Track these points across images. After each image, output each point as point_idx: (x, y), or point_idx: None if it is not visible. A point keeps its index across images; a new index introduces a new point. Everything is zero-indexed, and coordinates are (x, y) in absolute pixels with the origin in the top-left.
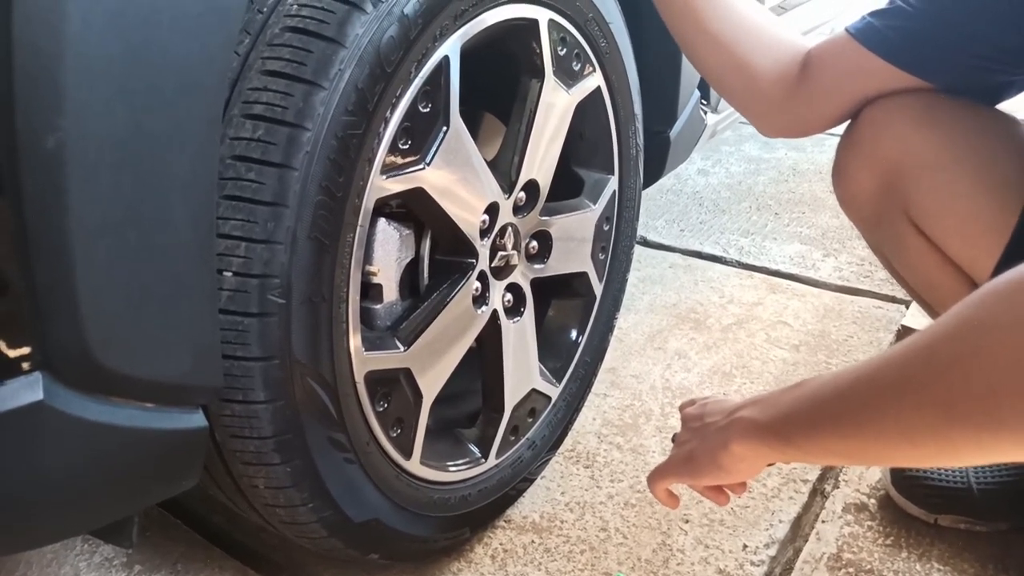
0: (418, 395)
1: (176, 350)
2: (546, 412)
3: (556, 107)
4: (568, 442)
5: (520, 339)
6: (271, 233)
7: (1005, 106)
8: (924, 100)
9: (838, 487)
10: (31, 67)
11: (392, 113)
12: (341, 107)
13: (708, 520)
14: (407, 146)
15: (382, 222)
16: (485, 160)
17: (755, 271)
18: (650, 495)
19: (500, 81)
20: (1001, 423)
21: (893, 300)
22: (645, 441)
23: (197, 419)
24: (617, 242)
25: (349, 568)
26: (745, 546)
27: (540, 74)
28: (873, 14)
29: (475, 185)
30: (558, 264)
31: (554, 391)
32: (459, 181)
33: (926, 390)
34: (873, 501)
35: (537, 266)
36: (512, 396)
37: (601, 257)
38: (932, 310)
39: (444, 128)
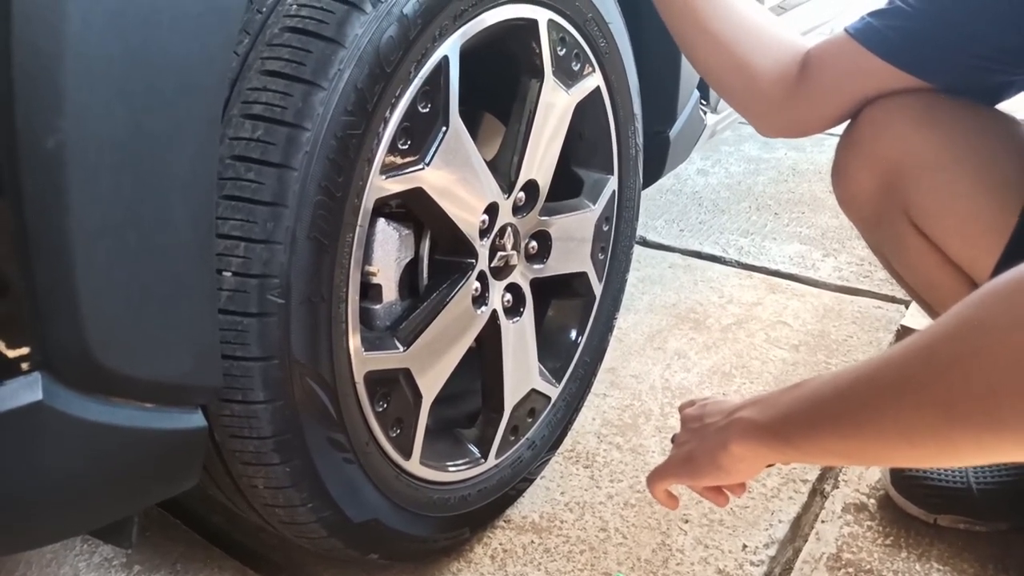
0: (418, 395)
1: (176, 350)
2: (546, 412)
3: (555, 107)
4: (568, 442)
5: (520, 339)
6: (270, 233)
7: (1005, 106)
8: (924, 100)
9: (838, 487)
10: (31, 67)
11: (391, 113)
12: (340, 107)
13: (708, 520)
14: (406, 146)
15: (381, 222)
16: (484, 160)
17: (755, 271)
18: (650, 495)
19: (499, 81)
20: (1001, 423)
21: (893, 300)
22: (645, 441)
23: (196, 419)
24: (617, 242)
25: (349, 568)
26: (745, 546)
27: (539, 74)
28: (872, 14)
29: (474, 185)
30: (558, 264)
31: (554, 391)
32: (458, 181)
33: (926, 390)
34: (873, 501)
35: (536, 266)
36: (512, 396)
37: (600, 257)
38: (932, 310)
39: (443, 128)
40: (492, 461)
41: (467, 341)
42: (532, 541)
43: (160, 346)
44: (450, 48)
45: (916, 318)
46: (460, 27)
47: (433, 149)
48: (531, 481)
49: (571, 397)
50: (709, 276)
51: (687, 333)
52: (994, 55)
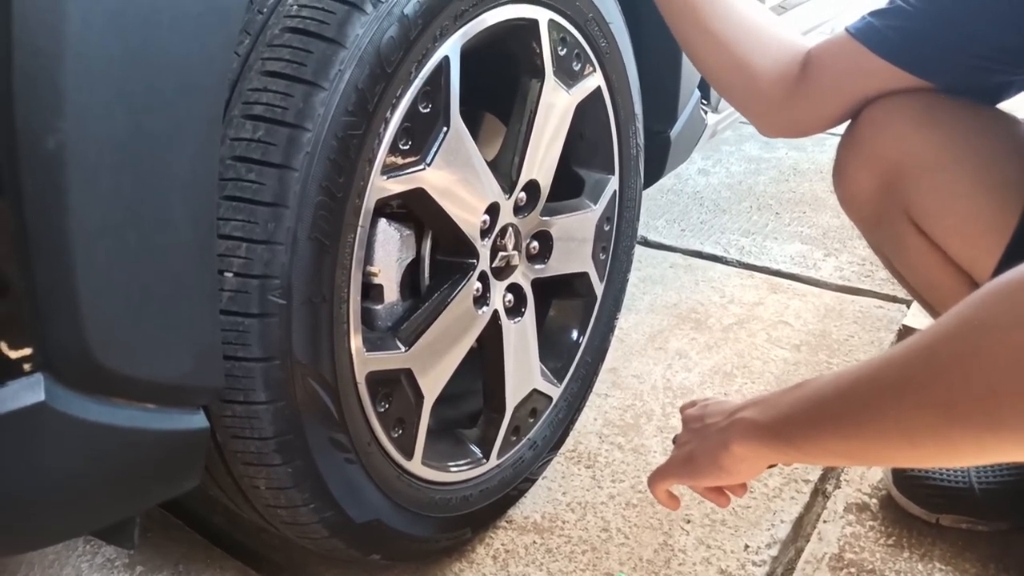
0: (419, 395)
1: (176, 351)
2: (547, 412)
3: (556, 107)
4: (569, 442)
5: (521, 339)
6: (272, 234)
7: (1005, 106)
8: (924, 100)
9: (840, 487)
10: (31, 68)
11: (392, 113)
12: (341, 108)
13: (710, 520)
14: (407, 146)
15: (383, 222)
16: (486, 160)
17: (756, 271)
18: (651, 495)
19: (500, 81)
20: (1002, 423)
21: (894, 300)
22: (646, 441)
23: (198, 420)
24: (618, 242)
25: (350, 568)
26: (747, 546)
27: (540, 74)
28: (873, 14)
29: (476, 185)
30: (559, 264)
31: (555, 391)
32: (460, 181)
33: (926, 390)
34: (875, 501)
35: (538, 266)
36: (513, 396)
37: (602, 257)
38: (933, 310)
39: (444, 128)
40: (494, 461)
41: (469, 341)
42: (534, 541)
43: (161, 347)
44: (451, 48)
45: (918, 318)
46: (461, 27)
47: (434, 149)
48: (533, 481)
49: (573, 397)
50: (710, 276)
51: (688, 333)
52: (994, 55)
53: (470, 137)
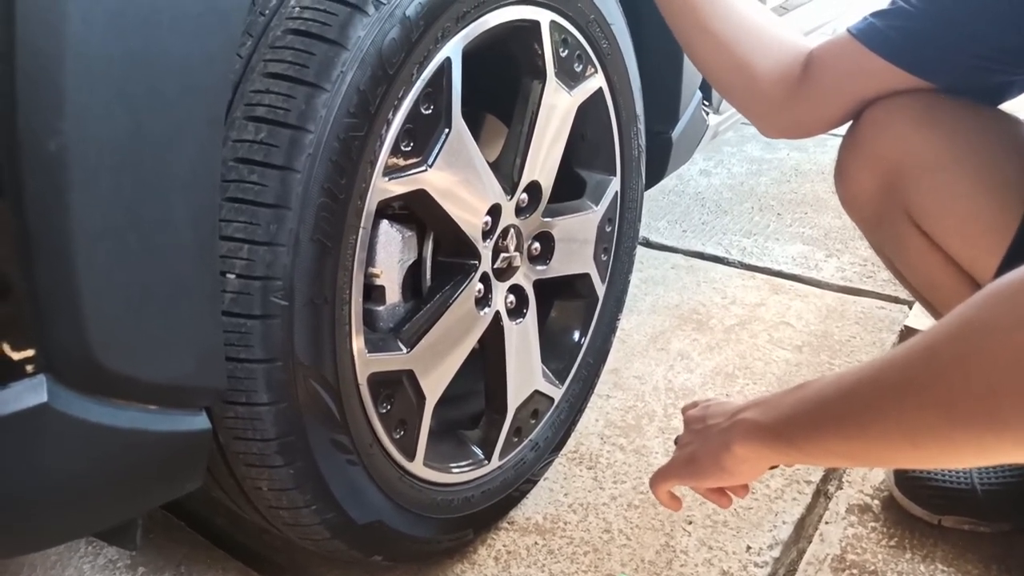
0: (421, 397)
1: (179, 352)
2: (549, 413)
3: (558, 108)
4: (571, 443)
5: (523, 340)
6: (274, 235)
7: (1006, 107)
8: (925, 100)
9: (841, 488)
10: (32, 69)
11: (394, 115)
12: (343, 109)
13: (712, 521)
14: (409, 148)
15: (384, 224)
16: (487, 162)
17: (757, 272)
18: (653, 496)
19: (502, 83)
20: (1003, 424)
21: (896, 301)
22: (648, 442)
23: (200, 421)
24: (619, 243)
25: (352, 570)
26: (749, 547)
27: (542, 75)
28: (875, 14)
29: (477, 187)
30: (560, 265)
31: (557, 392)
32: (461, 183)
33: (928, 391)
34: (877, 502)
35: (539, 267)
36: (515, 397)
37: (604, 258)
38: (934, 310)
39: (446, 130)
40: (495, 462)
41: (470, 342)
42: (536, 543)
43: (163, 348)
44: (452, 50)
45: (920, 318)
46: (462, 29)
47: (436, 151)
48: (534, 483)
49: (574, 398)
50: (712, 277)
51: (690, 334)
52: (994, 55)
53: (472, 138)
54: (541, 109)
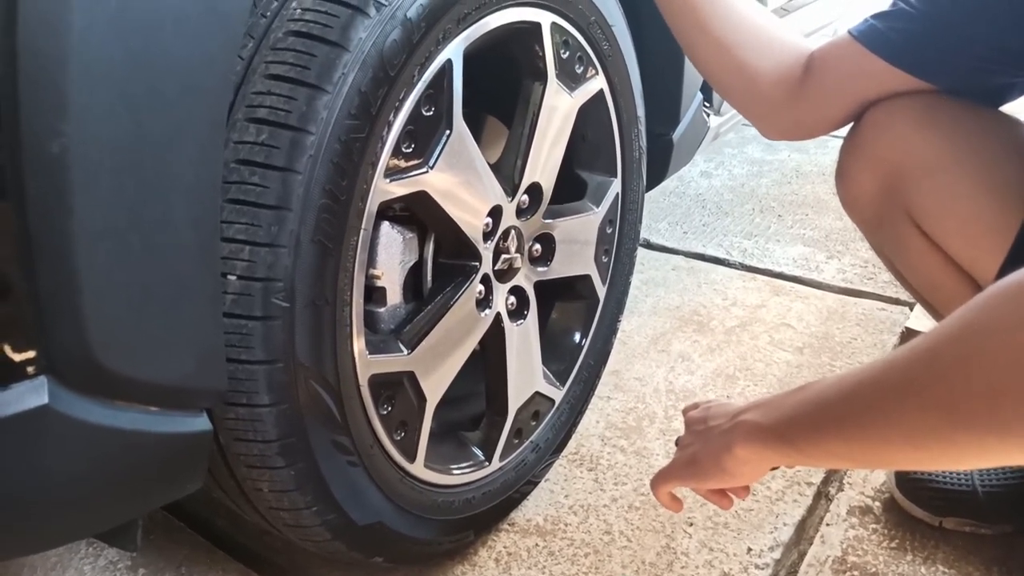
0: (422, 398)
1: (180, 353)
2: (550, 415)
3: (559, 110)
4: (572, 445)
5: (523, 342)
6: (275, 237)
7: (1007, 108)
8: (925, 102)
9: (842, 490)
10: (34, 71)
11: (395, 117)
12: (344, 111)
13: (712, 523)
14: (410, 149)
15: (385, 225)
16: (488, 163)
17: (758, 273)
18: (654, 498)
19: (503, 84)
20: (1004, 425)
21: (897, 302)
22: (649, 444)
23: (201, 422)
24: (620, 245)
25: (352, 571)
26: (749, 549)
27: (543, 77)
28: (876, 16)
29: (478, 188)
30: (561, 267)
31: (558, 394)
32: (462, 184)
33: (928, 392)
34: (878, 504)
35: (540, 269)
36: (516, 399)
37: (604, 260)
38: (935, 311)
39: (447, 131)
40: (496, 464)
41: (471, 344)
42: (536, 544)
43: (164, 349)
44: (453, 51)
45: (921, 320)
46: (463, 30)
47: (437, 152)
48: (535, 484)
49: (575, 400)
50: (713, 278)
51: (691, 336)
52: (995, 56)
53: (473, 140)
54: (542, 111)
